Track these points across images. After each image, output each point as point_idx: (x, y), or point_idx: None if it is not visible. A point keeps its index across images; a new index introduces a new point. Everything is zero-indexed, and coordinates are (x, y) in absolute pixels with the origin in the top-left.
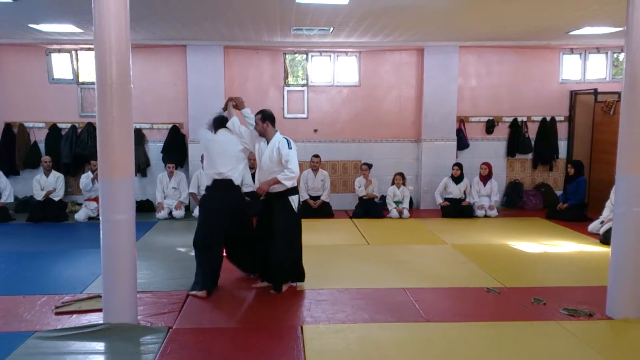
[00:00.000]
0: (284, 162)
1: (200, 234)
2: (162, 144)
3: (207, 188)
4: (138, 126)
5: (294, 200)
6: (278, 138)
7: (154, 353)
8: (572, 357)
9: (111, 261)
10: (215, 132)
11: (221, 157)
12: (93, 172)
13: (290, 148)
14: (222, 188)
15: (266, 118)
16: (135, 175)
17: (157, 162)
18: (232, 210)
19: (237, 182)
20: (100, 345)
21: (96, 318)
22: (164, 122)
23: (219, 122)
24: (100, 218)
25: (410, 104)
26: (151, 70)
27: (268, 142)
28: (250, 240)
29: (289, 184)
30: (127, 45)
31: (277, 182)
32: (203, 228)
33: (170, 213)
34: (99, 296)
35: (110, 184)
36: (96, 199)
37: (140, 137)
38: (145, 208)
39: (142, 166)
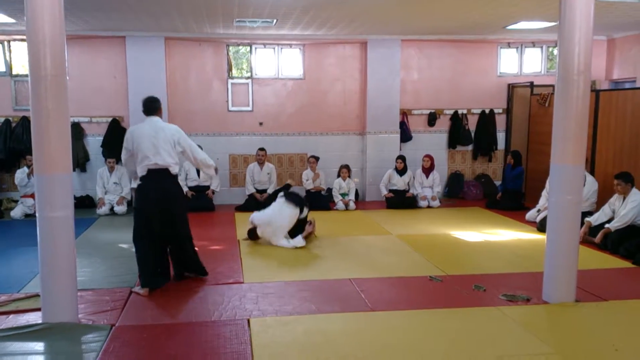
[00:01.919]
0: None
1: (134, 225)
2: (102, 138)
3: (141, 178)
4: (76, 120)
5: None
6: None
7: (96, 352)
8: (511, 341)
9: (49, 259)
10: (147, 116)
11: (154, 146)
12: (29, 167)
13: None
14: (157, 178)
15: None
16: (74, 171)
17: (97, 157)
18: (167, 198)
19: (174, 170)
20: (39, 346)
21: (35, 318)
22: (103, 115)
23: (151, 105)
24: (37, 215)
25: (354, 97)
26: (89, 62)
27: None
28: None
29: None
30: (62, 35)
31: None
32: (137, 220)
33: (111, 209)
34: (38, 295)
35: (46, 179)
36: (33, 196)
37: (78, 131)
38: (85, 204)
39: (81, 161)
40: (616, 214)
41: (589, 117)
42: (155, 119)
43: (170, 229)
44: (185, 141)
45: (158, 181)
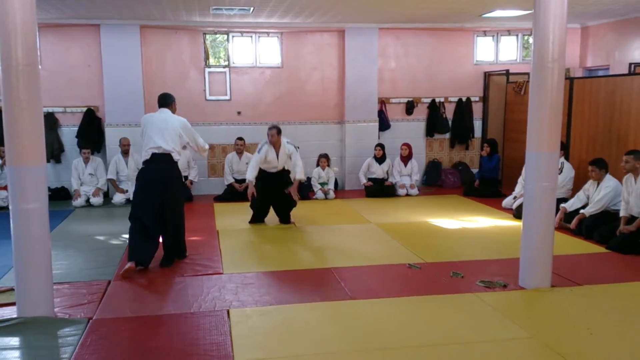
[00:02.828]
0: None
1: (132, 204)
2: (77, 129)
3: (145, 162)
4: (50, 110)
5: None
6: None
7: (73, 345)
8: (489, 326)
9: (23, 252)
10: (159, 108)
11: (161, 132)
12: (1, 158)
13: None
14: (159, 161)
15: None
16: (48, 162)
17: (72, 148)
18: (165, 179)
19: (175, 157)
20: (14, 340)
21: (10, 312)
22: (78, 105)
23: (163, 100)
24: (10, 207)
25: (333, 85)
26: (62, 51)
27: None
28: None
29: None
30: (34, 23)
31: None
32: (134, 198)
33: (87, 200)
34: (12, 289)
35: (19, 171)
36: (6, 188)
37: (52, 122)
38: (60, 196)
39: (55, 152)
40: (590, 200)
41: (564, 104)
42: (165, 110)
43: (165, 209)
44: (188, 133)
45: (159, 164)
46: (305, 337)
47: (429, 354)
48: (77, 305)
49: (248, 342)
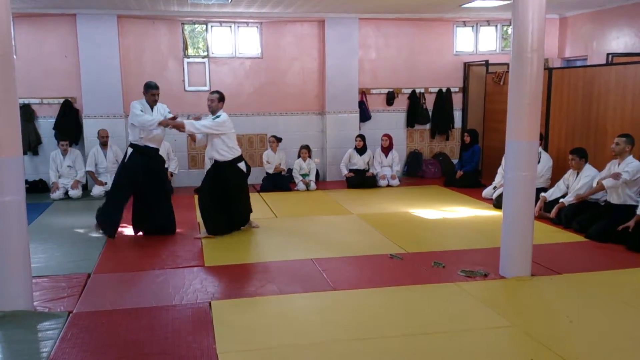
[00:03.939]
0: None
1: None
2: (54, 120)
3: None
4: (26, 101)
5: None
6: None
7: (53, 339)
8: (470, 315)
9: (1, 246)
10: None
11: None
12: None
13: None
14: (143, 153)
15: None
16: (25, 154)
17: (50, 140)
18: (149, 170)
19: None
20: None
21: None
22: (54, 96)
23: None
24: None
25: (313, 76)
26: (38, 41)
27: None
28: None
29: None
30: (7, 12)
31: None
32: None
33: (66, 193)
34: None
35: None
36: None
37: (29, 113)
38: (38, 188)
39: (32, 144)
40: (570, 189)
41: (542, 94)
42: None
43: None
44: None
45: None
46: (287, 328)
47: (411, 344)
48: (57, 298)
49: (230, 333)
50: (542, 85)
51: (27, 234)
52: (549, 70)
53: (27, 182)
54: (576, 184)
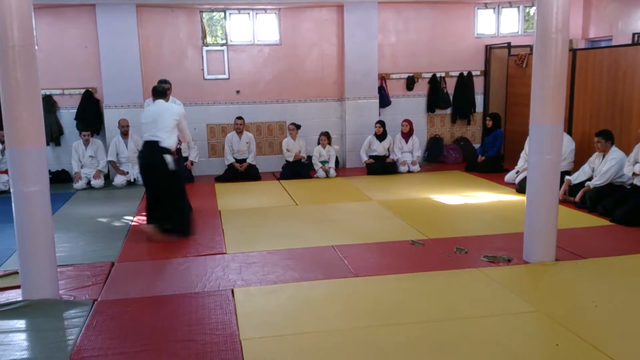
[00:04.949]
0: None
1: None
2: (75, 111)
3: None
4: (48, 92)
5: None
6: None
7: (79, 327)
8: (494, 301)
9: (26, 235)
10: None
11: (155, 122)
12: (2, 142)
13: None
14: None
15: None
16: (48, 145)
17: (72, 130)
18: (151, 165)
19: (162, 143)
20: (21, 323)
21: (15, 295)
22: (75, 87)
23: (155, 92)
24: (12, 190)
25: (332, 62)
26: (58, 32)
27: None
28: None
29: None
30: (29, 4)
31: None
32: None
33: (88, 183)
34: (17, 272)
35: (19, 154)
36: (6, 172)
37: (51, 104)
38: (61, 179)
39: (55, 135)
40: (596, 172)
41: (567, 76)
42: (160, 101)
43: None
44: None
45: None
46: (309, 315)
47: (434, 330)
48: (82, 287)
49: (253, 320)
50: (566, 67)
51: (52, 224)
52: (573, 52)
53: (50, 172)
54: (602, 166)
